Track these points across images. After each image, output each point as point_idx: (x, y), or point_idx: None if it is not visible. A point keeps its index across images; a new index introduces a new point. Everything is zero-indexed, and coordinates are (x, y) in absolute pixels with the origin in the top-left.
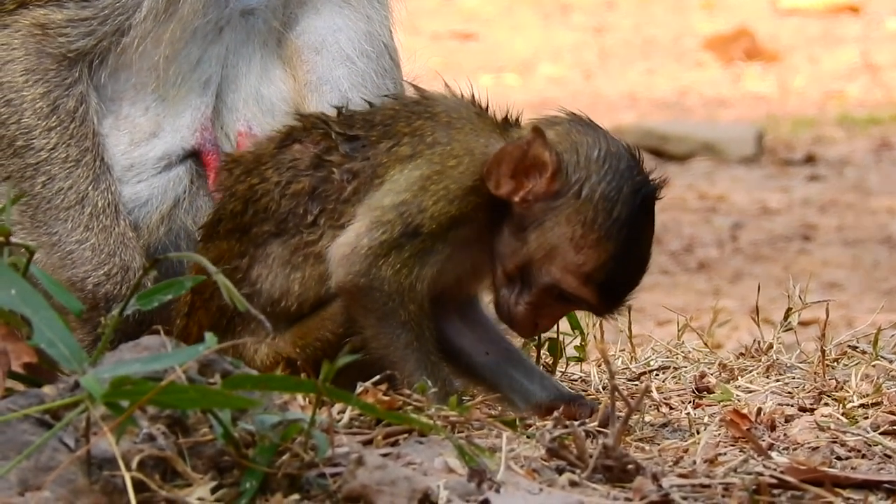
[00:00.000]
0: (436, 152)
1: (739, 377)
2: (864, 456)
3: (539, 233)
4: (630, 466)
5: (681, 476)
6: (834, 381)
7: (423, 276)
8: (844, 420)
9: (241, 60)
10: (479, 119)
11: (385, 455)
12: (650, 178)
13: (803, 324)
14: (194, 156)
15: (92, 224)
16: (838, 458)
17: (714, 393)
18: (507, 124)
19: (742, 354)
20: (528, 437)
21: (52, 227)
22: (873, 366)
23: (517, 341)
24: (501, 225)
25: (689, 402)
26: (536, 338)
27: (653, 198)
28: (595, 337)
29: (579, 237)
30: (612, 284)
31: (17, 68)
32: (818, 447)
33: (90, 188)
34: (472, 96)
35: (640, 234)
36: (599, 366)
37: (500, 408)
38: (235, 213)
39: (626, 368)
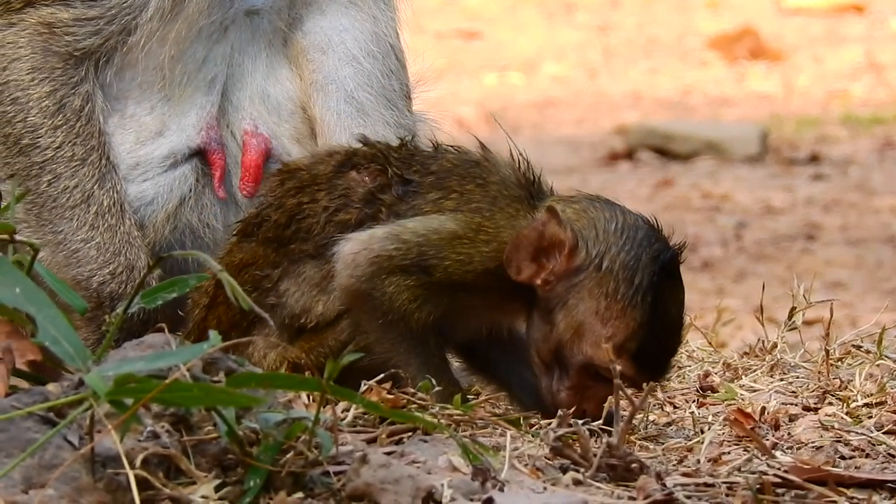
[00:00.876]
0: (474, 220)
1: (743, 376)
2: (867, 455)
3: (565, 312)
4: (634, 465)
5: (685, 475)
6: (838, 380)
7: (424, 309)
8: (848, 419)
9: (246, 59)
10: (518, 203)
11: (389, 453)
12: (669, 244)
13: (807, 323)
14: (200, 155)
15: (97, 223)
16: (842, 457)
17: (718, 392)
18: (539, 204)
19: (746, 353)
20: (532, 435)
21: (58, 225)
22: (877, 365)
23: None
24: (531, 314)
25: (694, 401)
26: None
27: (675, 263)
28: None
29: (604, 309)
30: (646, 354)
31: (23, 66)
32: (822, 446)
33: (96, 187)
34: (526, 168)
35: (666, 300)
36: None
37: (504, 406)
38: (279, 224)
39: None
